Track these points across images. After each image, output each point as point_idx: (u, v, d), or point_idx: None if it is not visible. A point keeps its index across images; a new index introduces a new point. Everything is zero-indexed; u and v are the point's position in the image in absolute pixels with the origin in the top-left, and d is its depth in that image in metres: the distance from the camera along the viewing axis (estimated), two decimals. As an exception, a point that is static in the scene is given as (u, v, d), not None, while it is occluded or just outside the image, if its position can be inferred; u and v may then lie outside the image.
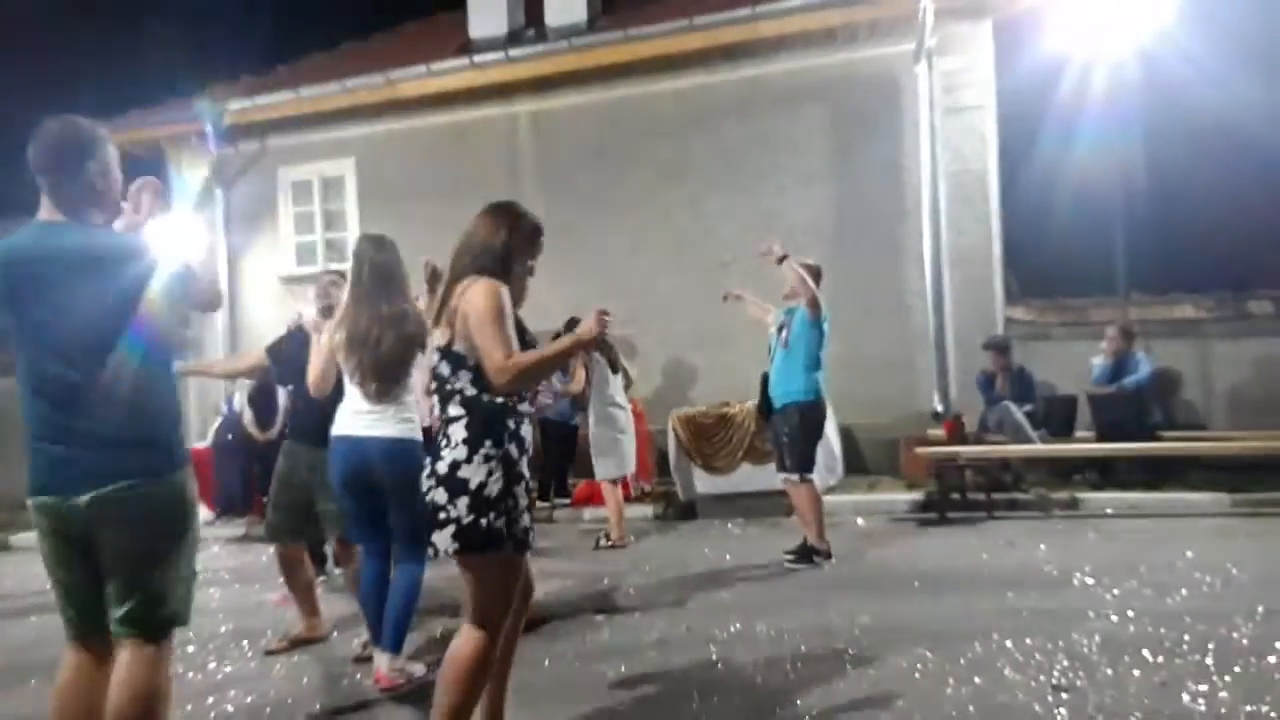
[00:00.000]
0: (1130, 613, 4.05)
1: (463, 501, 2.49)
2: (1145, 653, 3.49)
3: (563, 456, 8.31)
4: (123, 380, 2.32)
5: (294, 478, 4.24)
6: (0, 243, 2.36)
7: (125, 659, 2.34)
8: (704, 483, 7.82)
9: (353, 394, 3.74)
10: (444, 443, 2.57)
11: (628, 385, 7.09)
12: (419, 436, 3.73)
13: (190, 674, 3.93)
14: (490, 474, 2.51)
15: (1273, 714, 2.87)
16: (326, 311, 4.43)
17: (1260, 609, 3.97)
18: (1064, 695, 3.10)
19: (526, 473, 2.66)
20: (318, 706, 3.49)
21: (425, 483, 2.58)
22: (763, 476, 7.09)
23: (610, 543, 6.44)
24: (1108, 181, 8.46)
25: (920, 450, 7.41)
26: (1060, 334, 8.75)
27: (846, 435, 8.36)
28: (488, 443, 2.53)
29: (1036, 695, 3.12)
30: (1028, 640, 3.70)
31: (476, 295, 2.53)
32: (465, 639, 2.53)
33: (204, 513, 7.71)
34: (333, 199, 10.78)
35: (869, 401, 8.47)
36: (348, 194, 10.68)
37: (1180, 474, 7.17)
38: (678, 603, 4.71)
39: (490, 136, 10.09)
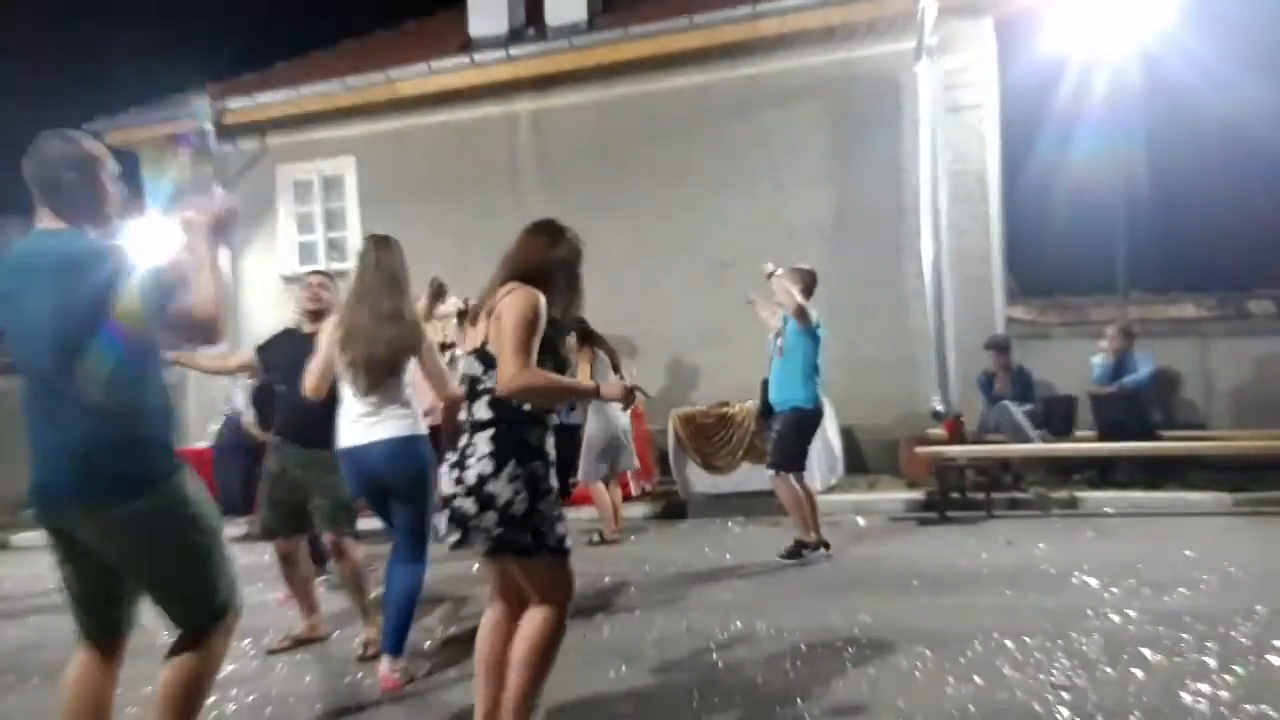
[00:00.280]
0: (1130, 612, 4.06)
1: (490, 516, 2.55)
2: (1145, 652, 3.50)
3: (565, 456, 8.30)
4: (96, 387, 2.28)
5: (285, 476, 4.24)
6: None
7: (176, 643, 2.44)
8: (704, 482, 7.83)
9: (348, 400, 3.74)
10: (470, 450, 2.60)
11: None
12: (419, 430, 3.73)
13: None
14: (516, 493, 2.56)
15: (1273, 713, 2.87)
16: (317, 316, 4.43)
17: (1260, 608, 3.97)
18: (1064, 694, 3.11)
19: (555, 483, 2.70)
20: (319, 706, 3.50)
21: (453, 486, 2.61)
22: (763, 476, 7.04)
23: (603, 539, 6.48)
24: (1108, 181, 8.47)
25: (920, 450, 7.41)
26: (1060, 333, 8.75)
27: (846, 435, 8.37)
28: (512, 462, 2.57)
29: (1036, 694, 3.12)
30: (1027, 639, 3.70)
31: (512, 300, 2.59)
32: (534, 618, 2.63)
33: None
34: (333, 198, 10.78)
35: (869, 401, 8.48)
36: (348, 193, 10.68)
37: (1180, 473, 7.18)
38: (678, 602, 4.72)
39: (490, 135, 10.09)
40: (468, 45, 10.11)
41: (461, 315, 5.92)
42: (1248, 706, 2.92)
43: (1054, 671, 3.34)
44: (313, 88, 10.11)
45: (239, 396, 8.48)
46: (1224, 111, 9.07)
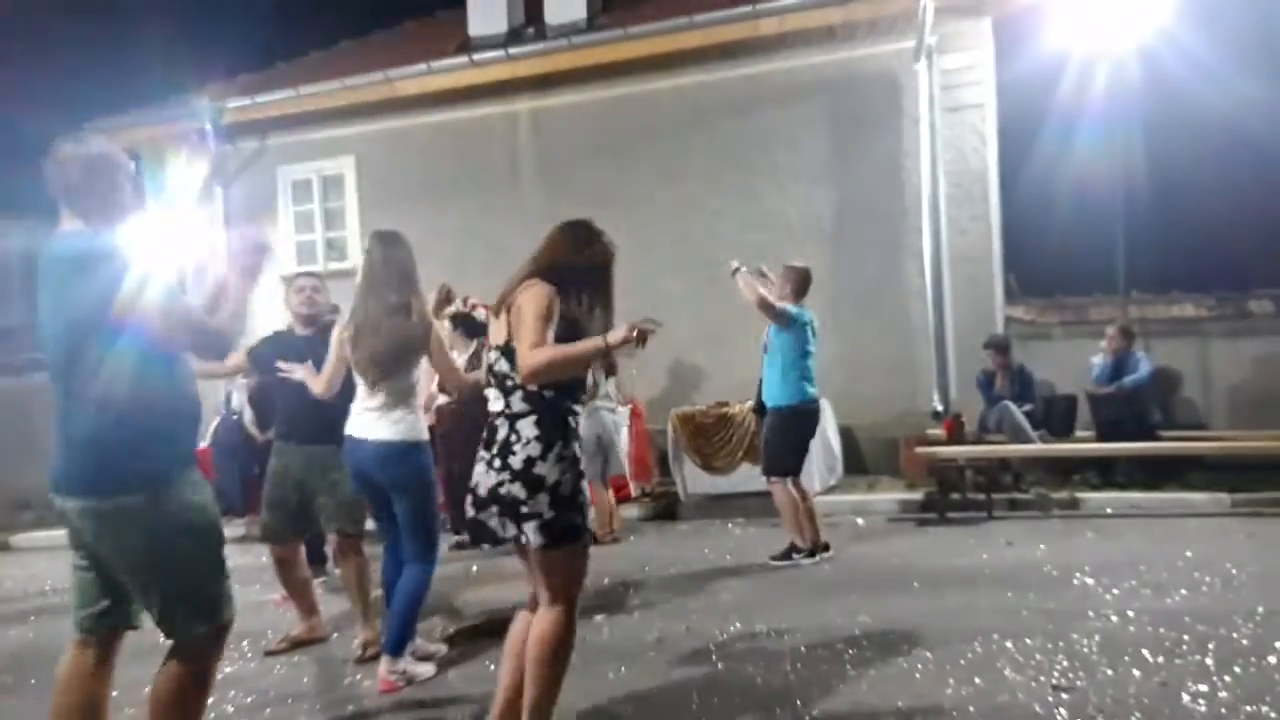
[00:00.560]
0: (1130, 612, 4.06)
1: (543, 498, 2.61)
2: (1145, 652, 3.49)
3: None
4: (98, 384, 2.30)
5: (287, 476, 4.24)
6: None
7: (168, 653, 2.45)
8: (703, 483, 7.82)
9: (360, 392, 3.76)
10: (514, 438, 2.66)
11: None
12: (418, 436, 3.72)
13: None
14: (564, 473, 2.64)
15: (1273, 714, 2.87)
16: (310, 320, 4.42)
17: (1260, 609, 3.97)
18: (1064, 695, 3.11)
19: (584, 469, 2.79)
20: (317, 707, 3.50)
21: (498, 475, 2.65)
22: (763, 477, 7.09)
23: (596, 540, 6.47)
24: (1108, 180, 8.45)
25: (920, 450, 7.40)
26: (1060, 333, 8.74)
27: (846, 435, 8.36)
28: (559, 444, 2.66)
29: (1036, 695, 3.12)
30: (1027, 640, 3.70)
31: (528, 295, 2.67)
32: (546, 619, 2.66)
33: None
34: (332, 197, 10.77)
35: (868, 401, 8.47)
36: (347, 192, 10.66)
37: (1180, 474, 7.17)
38: (678, 603, 4.72)
39: (490, 135, 10.08)
40: (467, 45, 10.10)
41: (454, 317, 5.91)
42: (1248, 707, 2.92)
43: (1054, 672, 3.34)
44: (312, 88, 10.09)
45: (237, 396, 8.49)
46: (1224, 110, 9.05)
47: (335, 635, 4.45)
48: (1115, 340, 7.70)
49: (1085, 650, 3.56)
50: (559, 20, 9.88)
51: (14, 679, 4.10)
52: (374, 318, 3.64)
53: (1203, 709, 2.94)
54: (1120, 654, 3.49)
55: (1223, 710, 2.92)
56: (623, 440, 7.11)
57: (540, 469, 2.61)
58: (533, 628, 2.69)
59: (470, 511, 2.72)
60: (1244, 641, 3.57)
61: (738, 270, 5.49)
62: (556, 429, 2.67)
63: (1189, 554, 5.17)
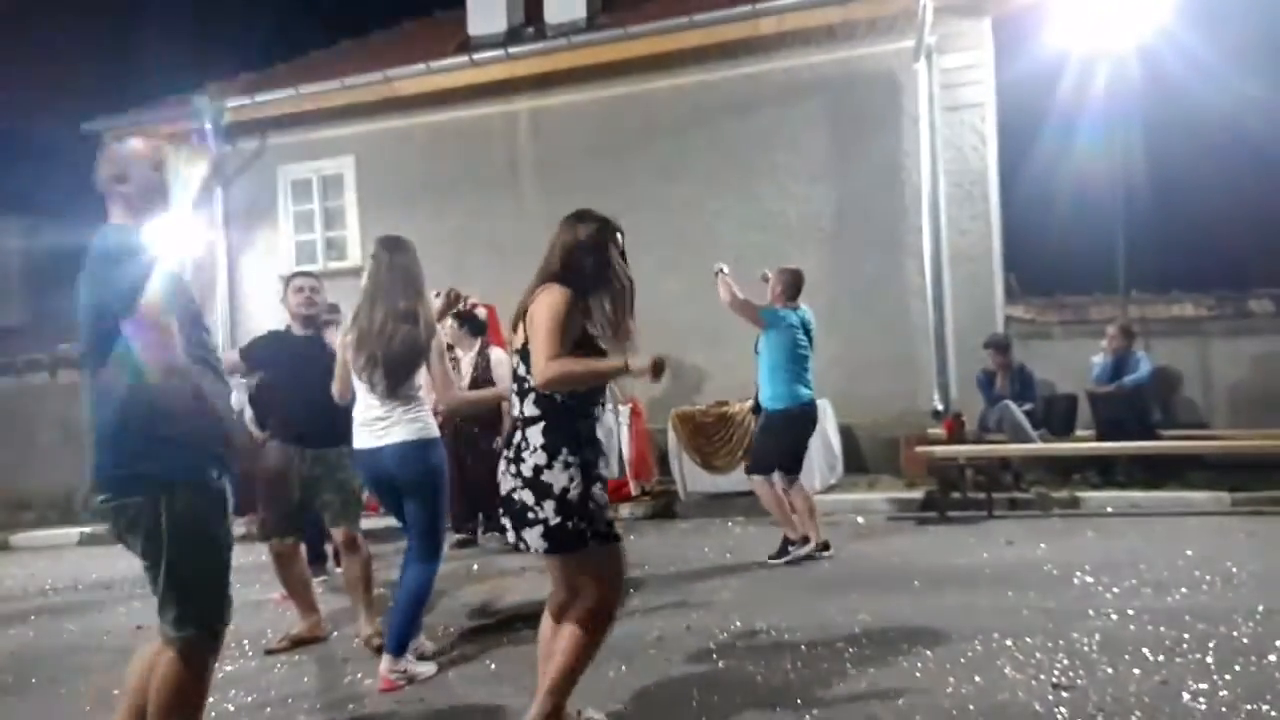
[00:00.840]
0: (1130, 611, 4.05)
1: (549, 505, 2.62)
2: (1145, 651, 3.49)
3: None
4: (119, 382, 2.32)
5: (287, 476, 4.24)
6: None
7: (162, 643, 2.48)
8: (703, 482, 7.82)
9: (362, 399, 3.73)
10: (523, 444, 2.69)
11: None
12: (432, 433, 3.73)
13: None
14: (571, 480, 2.64)
15: (1273, 713, 2.86)
16: (308, 321, 4.41)
17: (1260, 608, 3.97)
18: (1064, 694, 3.10)
19: (604, 472, 2.79)
20: (317, 706, 3.49)
21: (511, 481, 2.69)
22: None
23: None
24: (1108, 179, 8.45)
25: (920, 449, 7.40)
26: (1060, 332, 8.74)
27: (846, 434, 8.37)
28: (565, 450, 2.66)
29: (1036, 694, 3.12)
30: (1028, 639, 3.70)
31: (542, 299, 2.66)
32: (584, 604, 2.71)
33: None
34: (332, 197, 10.77)
35: (869, 400, 8.48)
36: (347, 192, 10.67)
37: (1180, 473, 7.17)
38: (678, 602, 4.71)
39: (489, 134, 10.09)
40: (466, 45, 10.10)
41: (458, 315, 5.91)
42: (1248, 705, 2.92)
43: (1054, 671, 3.33)
44: (312, 87, 10.10)
45: (237, 396, 8.48)
46: (1224, 110, 9.06)
47: (335, 634, 4.44)
48: (1115, 339, 7.70)
49: (1085, 649, 3.56)
50: (558, 20, 9.88)
51: (14, 679, 4.10)
52: (383, 324, 3.61)
53: (1203, 707, 2.93)
54: (1120, 652, 3.49)
55: (1223, 709, 2.91)
56: (621, 441, 7.12)
57: (548, 476, 2.63)
58: (570, 613, 2.74)
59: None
60: (1244, 640, 3.57)
61: (720, 271, 5.52)
62: (565, 436, 2.66)
63: (1189, 553, 5.16)
